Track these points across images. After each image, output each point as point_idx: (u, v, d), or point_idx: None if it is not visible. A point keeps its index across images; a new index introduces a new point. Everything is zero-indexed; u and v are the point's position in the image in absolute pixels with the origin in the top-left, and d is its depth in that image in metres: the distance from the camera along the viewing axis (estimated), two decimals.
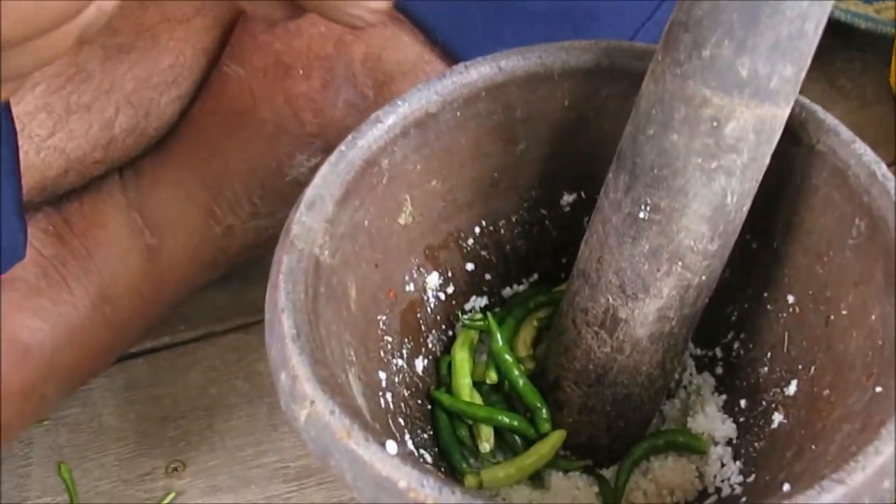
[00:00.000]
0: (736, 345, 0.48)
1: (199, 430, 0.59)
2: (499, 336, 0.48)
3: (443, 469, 0.46)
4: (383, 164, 0.43)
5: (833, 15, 0.73)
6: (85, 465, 0.58)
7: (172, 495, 0.56)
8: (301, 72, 0.55)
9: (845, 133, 0.40)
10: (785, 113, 0.38)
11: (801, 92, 0.75)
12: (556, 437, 0.46)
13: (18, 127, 0.50)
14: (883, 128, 0.73)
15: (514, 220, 0.50)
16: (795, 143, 0.41)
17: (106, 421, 0.60)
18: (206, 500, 0.56)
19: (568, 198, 0.50)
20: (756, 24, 0.35)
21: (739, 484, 0.43)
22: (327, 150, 0.55)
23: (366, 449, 0.31)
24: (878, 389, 0.34)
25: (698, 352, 0.50)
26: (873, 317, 0.37)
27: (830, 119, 0.41)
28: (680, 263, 0.40)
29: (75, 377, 0.58)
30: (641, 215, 0.40)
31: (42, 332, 0.55)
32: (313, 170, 0.55)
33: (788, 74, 0.36)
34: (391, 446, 0.31)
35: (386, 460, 0.31)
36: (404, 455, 0.31)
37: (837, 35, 0.76)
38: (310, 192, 0.40)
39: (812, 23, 0.35)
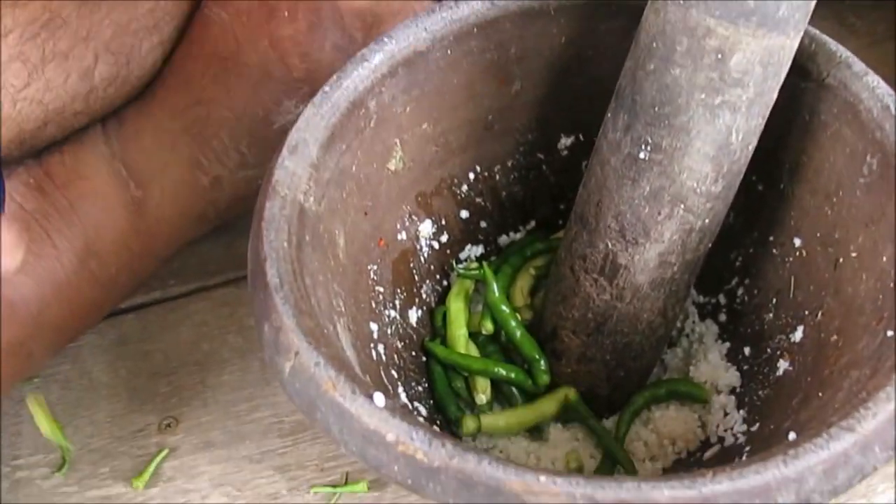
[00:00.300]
0: (740, 291, 0.46)
1: (192, 385, 0.58)
2: (495, 286, 0.47)
3: (438, 422, 0.45)
4: (370, 106, 0.41)
5: None
6: (76, 421, 0.57)
7: (166, 451, 0.56)
8: (286, 14, 0.54)
9: (857, 65, 0.38)
10: (794, 43, 0.36)
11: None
12: (563, 394, 0.45)
13: None
14: (894, 66, 0.71)
15: (509, 164, 0.49)
16: (804, 77, 0.39)
17: (97, 377, 0.59)
18: (200, 456, 0.55)
19: (566, 140, 0.48)
20: None
21: (743, 433, 0.42)
22: (315, 95, 0.53)
23: (352, 401, 0.30)
24: (890, 333, 0.33)
25: (701, 299, 0.49)
26: (884, 258, 0.36)
27: (842, 51, 0.39)
28: (682, 206, 0.39)
29: (63, 334, 0.57)
30: (642, 156, 0.38)
31: (27, 288, 0.54)
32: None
33: (798, 1, 0.34)
34: (379, 398, 0.30)
35: (373, 413, 0.30)
36: (393, 407, 0.30)
37: None
38: (293, 136, 0.38)
39: None
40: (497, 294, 0.47)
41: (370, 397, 0.30)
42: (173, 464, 0.55)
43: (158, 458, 0.55)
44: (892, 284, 0.35)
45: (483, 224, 0.50)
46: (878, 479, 0.50)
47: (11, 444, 0.57)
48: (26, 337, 0.54)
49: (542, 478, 0.28)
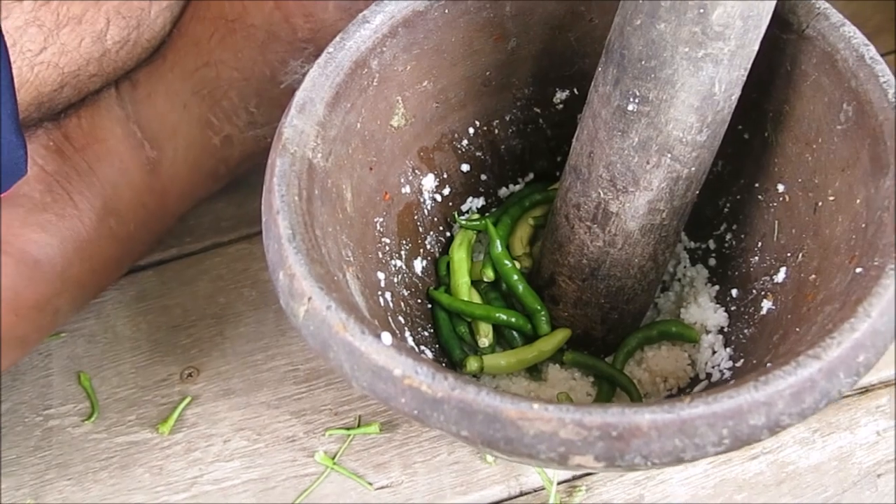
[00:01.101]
0: (728, 236, 0.48)
1: (210, 337, 0.60)
2: (498, 242, 0.49)
3: (444, 364, 0.48)
4: (373, 66, 0.43)
5: None
6: (102, 373, 0.60)
7: (188, 399, 0.58)
8: None
9: (835, 16, 0.39)
10: None
11: None
12: (561, 336, 0.47)
13: (9, 42, 0.50)
14: (889, 12, 0.71)
15: (507, 119, 0.50)
16: (785, 28, 0.41)
17: (120, 331, 0.61)
18: (221, 403, 0.58)
19: (561, 95, 0.50)
20: None
21: (728, 369, 0.44)
22: (321, 55, 0.55)
23: (362, 340, 0.33)
24: (859, 270, 0.35)
25: (692, 244, 0.51)
26: (858, 201, 0.38)
27: (821, 2, 0.40)
28: (669, 155, 0.40)
29: (87, 290, 0.59)
30: (630, 108, 0.40)
31: (51, 247, 0.56)
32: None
33: None
34: (386, 338, 0.33)
35: (381, 350, 0.32)
36: (399, 345, 0.33)
37: None
38: (300, 95, 0.40)
39: None
40: (500, 249, 0.49)
41: (378, 337, 0.33)
42: (195, 410, 0.57)
43: (182, 406, 0.58)
44: (863, 225, 0.37)
45: (483, 177, 0.52)
46: (861, 412, 0.53)
47: (42, 394, 0.59)
48: (52, 294, 0.56)
49: (535, 405, 0.30)
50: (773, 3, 0.38)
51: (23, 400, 0.59)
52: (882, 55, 0.68)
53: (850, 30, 0.39)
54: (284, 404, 0.57)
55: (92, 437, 0.57)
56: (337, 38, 0.41)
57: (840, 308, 0.34)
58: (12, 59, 0.48)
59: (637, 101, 0.39)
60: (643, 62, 0.39)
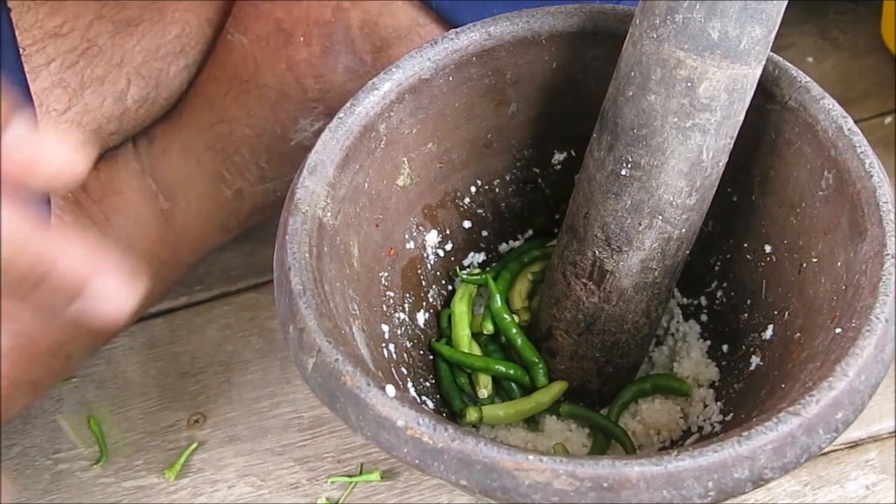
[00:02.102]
0: (719, 293, 0.50)
1: (217, 384, 0.62)
2: (498, 297, 0.51)
3: (444, 414, 0.49)
4: (381, 129, 0.45)
5: None
6: (112, 418, 0.61)
7: (195, 445, 0.59)
8: (301, 39, 0.57)
9: (815, 89, 0.42)
10: (756, 72, 0.40)
11: (795, 44, 0.78)
12: (558, 388, 0.49)
13: (36, 103, 0.52)
14: (875, 78, 0.74)
15: (508, 178, 0.53)
16: (769, 99, 0.43)
17: (130, 377, 0.63)
18: (226, 449, 0.59)
19: (559, 156, 0.52)
20: None
21: (719, 422, 0.46)
22: (329, 114, 0.57)
23: (367, 392, 0.34)
24: (838, 330, 0.37)
25: (685, 300, 0.53)
26: (839, 263, 0.40)
27: (802, 76, 0.43)
28: (660, 217, 0.43)
29: (99, 336, 0.61)
30: (623, 172, 0.42)
31: None
32: (317, 134, 0.57)
33: (757, 36, 0.38)
34: (390, 390, 0.35)
35: (385, 402, 0.34)
36: (402, 397, 0.34)
37: None
38: (312, 158, 0.42)
39: None
40: (499, 304, 0.51)
41: (382, 389, 0.35)
42: (202, 456, 0.58)
43: (188, 452, 0.59)
44: (843, 287, 0.39)
45: (484, 233, 0.54)
46: (851, 466, 0.55)
47: (52, 438, 0.61)
48: (66, 340, 0.57)
49: (531, 457, 0.32)
50: (757, 77, 0.40)
51: (33, 444, 0.60)
52: (869, 118, 0.72)
53: (830, 102, 0.42)
54: (288, 451, 0.59)
55: (100, 480, 0.58)
56: (347, 104, 0.44)
57: (820, 366, 0.35)
58: (39, 118, 0.51)
59: (630, 166, 0.42)
60: (635, 130, 0.41)
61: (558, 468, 0.32)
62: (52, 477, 0.59)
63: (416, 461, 0.33)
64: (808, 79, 0.42)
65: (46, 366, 0.57)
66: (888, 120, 0.71)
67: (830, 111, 0.41)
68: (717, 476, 0.32)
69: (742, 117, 0.41)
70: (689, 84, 0.39)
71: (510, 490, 0.32)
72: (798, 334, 0.42)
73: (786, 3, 0.38)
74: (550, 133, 0.51)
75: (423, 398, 0.48)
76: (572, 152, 0.52)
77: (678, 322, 0.52)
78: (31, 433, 0.61)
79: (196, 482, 0.58)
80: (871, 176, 0.39)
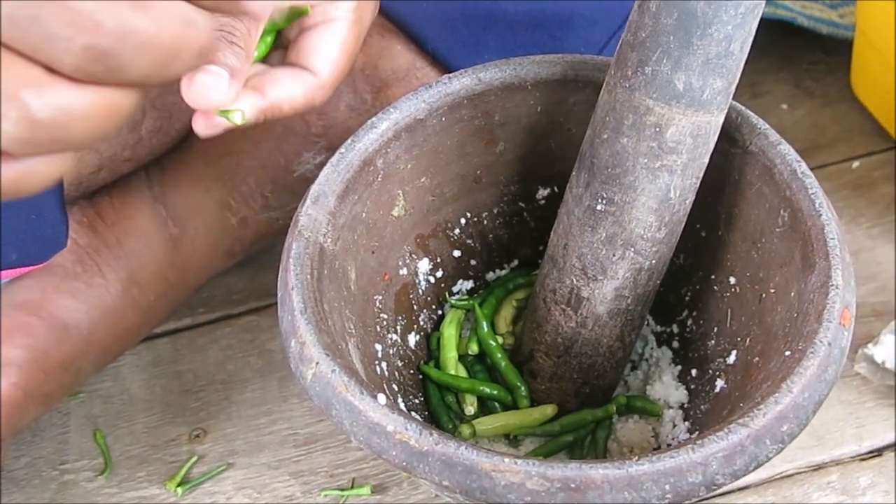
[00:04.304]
0: (689, 321, 0.54)
1: (218, 401, 0.65)
2: (484, 323, 0.54)
3: None
4: (378, 164, 0.49)
5: (796, 21, 0.79)
6: (116, 432, 0.63)
7: (195, 458, 0.62)
8: None
9: (773, 135, 0.46)
10: (718, 119, 0.44)
11: (770, 91, 0.82)
12: (547, 410, 0.52)
13: None
14: (845, 125, 0.78)
15: (495, 211, 0.56)
16: (732, 144, 0.47)
17: (135, 393, 0.65)
18: (225, 463, 0.62)
19: (543, 192, 0.56)
20: (689, 46, 0.41)
21: (686, 441, 0.49)
22: (331, 148, 0.61)
23: (360, 400, 0.38)
24: (788, 353, 0.40)
25: (658, 328, 0.56)
26: (792, 293, 0.43)
27: (761, 123, 0.47)
28: (632, 249, 0.46)
29: (108, 353, 0.63)
30: (599, 207, 0.46)
31: (79, 312, 0.60)
32: (319, 166, 0.61)
33: (719, 87, 0.42)
34: (381, 398, 0.38)
35: (377, 409, 0.38)
36: (391, 405, 0.38)
37: (804, 38, 0.81)
38: (314, 189, 0.46)
39: (737, 43, 0.41)
40: (486, 329, 0.54)
41: (374, 397, 0.38)
42: (201, 469, 0.61)
43: (189, 464, 0.61)
44: (795, 315, 0.42)
45: (473, 262, 0.57)
46: (814, 487, 0.58)
47: (59, 450, 0.63)
48: (77, 355, 0.60)
49: (507, 459, 0.36)
50: (720, 124, 0.44)
51: (41, 455, 0.63)
52: (838, 162, 0.76)
53: (786, 148, 0.46)
54: (284, 465, 0.61)
55: (104, 491, 0.61)
56: (348, 140, 0.48)
57: (770, 385, 0.39)
58: None
59: (605, 202, 0.46)
60: (609, 169, 0.45)
61: (531, 470, 0.35)
62: (58, 487, 0.61)
63: (404, 463, 0.37)
64: (767, 126, 0.47)
65: (58, 379, 0.60)
66: (856, 164, 0.75)
67: (786, 155, 0.45)
68: (673, 480, 0.35)
69: (707, 159, 0.45)
70: (658, 129, 0.43)
71: (488, 490, 0.35)
72: (757, 358, 0.45)
73: (744, 58, 0.43)
74: (535, 171, 0.55)
75: (413, 414, 0.52)
76: (555, 188, 0.55)
77: (652, 348, 0.56)
78: (38, 444, 0.63)
79: (196, 493, 0.60)
80: (821, 215, 0.43)
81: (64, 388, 0.61)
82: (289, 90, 0.45)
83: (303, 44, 0.47)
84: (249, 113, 0.44)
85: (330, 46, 0.47)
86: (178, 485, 0.60)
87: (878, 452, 0.59)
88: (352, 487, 0.59)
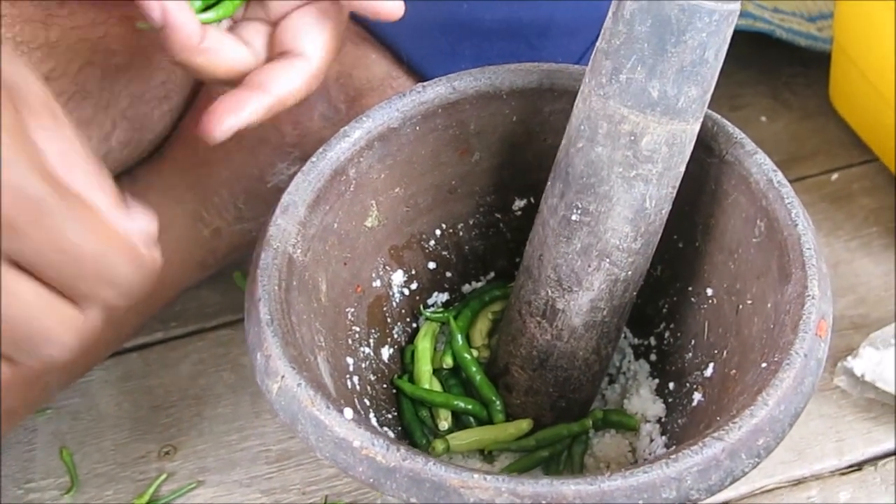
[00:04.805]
0: (667, 334, 0.53)
1: (189, 417, 0.63)
2: (459, 336, 0.53)
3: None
4: (350, 173, 0.48)
5: (774, 34, 0.79)
6: (84, 449, 0.62)
7: (164, 476, 0.61)
8: None
9: (749, 145, 0.46)
10: (694, 128, 0.43)
11: (750, 104, 0.82)
12: (522, 425, 0.51)
13: None
14: (824, 137, 0.78)
15: (471, 223, 0.56)
16: (709, 153, 0.47)
17: (103, 409, 0.64)
18: (196, 481, 0.61)
19: (519, 203, 0.55)
20: (663, 53, 0.40)
21: (661, 455, 0.48)
22: (305, 158, 0.59)
23: (326, 415, 0.37)
24: (764, 365, 0.40)
25: (636, 341, 0.56)
26: (769, 305, 0.43)
27: (737, 132, 0.46)
28: (608, 260, 0.46)
29: (75, 368, 0.62)
30: (574, 217, 0.45)
31: None
32: (292, 177, 0.60)
33: (694, 95, 0.42)
34: (348, 412, 0.37)
35: (343, 424, 0.37)
36: (358, 420, 0.37)
37: (782, 51, 0.81)
38: (284, 198, 0.45)
39: (712, 51, 0.41)
40: (460, 343, 0.53)
41: (341, 411, 0.37)
42: (171, 487, 0.60)
43: (158, 482, 0.60)
44: (771, 326, 0.42)
45: (448, 274, 0.57)
46: (794, 502, 0.57)
47: (24, 468, 0.62)
48: (43, 370, 0.59)
49: (476, 476, 0.35)
50: (695, 132, 0.44)
51: (6, 473, 0.61)
52: (817, 174, 0.76)
53: (762, 157, 0.45)
54: (256, 483, 0.60)
55: None
56: (320, 150, 0.47)
57: (745, 398, 0.38)
58: None
59: (579, 212, 0.45)
60: (584, 179, 0.44)
61: (501, 486, 0.34)
62: None
63: (371, 480, 0.36)
64: (743, 135, 0.46)
65: (23, 396, 0.58)
66: (835, 176, 0.75)
67: (762, 165, 0.45)
68: (646, 495, 0.34)
69: (682, 169, 0.44)
70: (633, 138, 0.42)
71: None
72: (734, 371, 0.45)
73: (719, 66, 0.42)
74: (511, 181, 0.54)
75: (385, 429, 0.51)
76: (532, 199, 0.55)
77: (629, 361, 0.55)
78: (4, 462, 0.62)
79: None
80: (797, 225, 0.42)
81: (29, 404, 0.59)
82: (291, 83, 0.45)
83: (289, 26, 0.46)
84: (259, 113, 0.44)
85: (318, 28, 0.46)
86: (147, 503, 0.59)
87: (858, 466, 0.58)
88: None
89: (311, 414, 0.37)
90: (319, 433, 0.37)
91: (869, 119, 0.74)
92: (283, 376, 0.38)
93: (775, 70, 0.83)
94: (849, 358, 0.60)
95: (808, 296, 0.40)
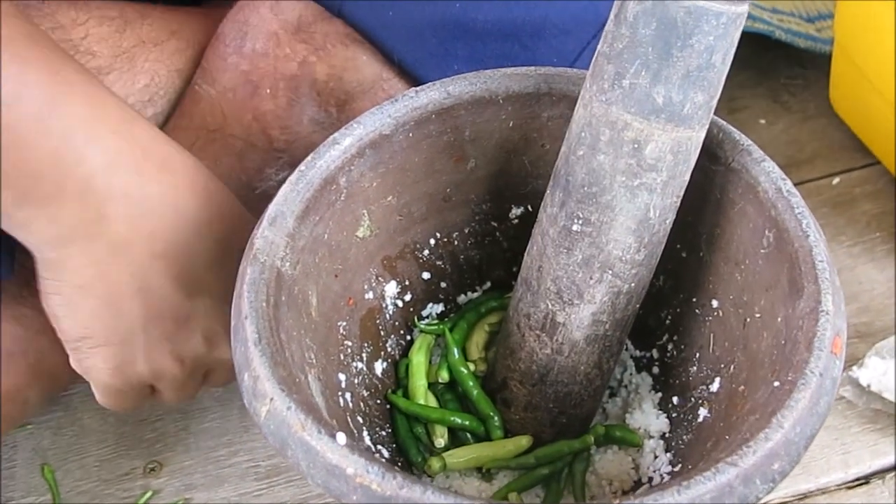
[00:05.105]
0: (670, 346, 0.52)
1: (175, 431, 0.62)
2: (455, 350, 0.52)
3: (399, 463, 0.50)
4: (341, 182, 0.46)
5: (773, 35, 0.78)
6: (67, 466, 0.61)
7: (150, 494, 0.59)
8: (268, 91, 0.59)
9: (756, 152, 0.44)
10: (699, 135, 0.42)
11: (749, 106, 0.81)
12: (521, 442, 0.49)
13: None
14: (824, 140, 0.77)
15: (466, 231, 0.54)
16: (714, 161, 0.45)
17: (87, 424, 0.63)
18: (182, 498, 0.59)
19: (516, 211, 0.54)
20: (668, 57, 0.39)
21: (668, 473, 0.47)
22: (294, 164, 0.58)
23: (318, 440, 0.35)
24: (776, 384, 0.38)
25: (638, 353, 0.54)
26: (779, 319, 0.41)
27: (744, 139, 0.45)
28: (610, 272, 0.44)
29: (56, 382, 0.60)
30: (575, 228, 0.44)
31: (25, 340, 0.58)
32: (281, 183, 0.58)
33: (700, 101, 0.40)
34: (341, 438, 0.35)
35: (336, 450, 0.35)
36: (352, 445, 0.35)
37: (781, 52, 0.80)
38: (271, 209, 0.44)
39: (719, 55, 0.39)
40: (456, 356, 0.52)
41: (333, 437, 0.35)
42: None
43: (143, 500, 0.59)
44: (783, 342, 0.40)
45: (443, 285, 0.55)
46: None
47: (4, 486, 0.60)
48: (23, 385, 0.57)
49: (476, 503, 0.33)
50: (701, 140, 0.42)
51: None
52: (817, 179, 0.75)
53: (770, 165, 0.44)
54: (245, 500, 0.59)
55: None
56: (309, 158, 0.45)
57: (758, 418, 0.37)
58: None
59: (581, 222, 0.43)
60: (585, 188, 0.43)
61: None
62: None
63: None
64: (750, 142, 0.44)
65: (3, 411, 0.57)
66: (836, 181, 0.74)
67: (770, 173, 0.43)
68: None
69: (687, 177, 0.43)
70: (636, 145, 0.41)
71: None
72: (742, 387, 0.43)
73: (726, 70, 0.41)
74: (508, 189, 0.52)
75: (379, 447, 0.49)
76: (529, 207, 0.53)
77: (631, 374, 0.54)
78: None
79: None
80: (808, 236, 0.41)
81: (10, 420, 0.58)
82: None
83: None
84: None
85: None
86: None
87: (865, 480, 0.57)
88: None
89: (301, 439, 0.35)
90: (311, 459, 0.35)
91: (871, 121, 0.73)
92: (271, 399, 0.37)
93: (774, 72, 0.82)
94: (854, 368, 0.59)
95: (822, 311, 0.38)
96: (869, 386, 0.58)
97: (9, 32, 0.43)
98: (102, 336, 0.50)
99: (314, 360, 0.44)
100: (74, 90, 0.46)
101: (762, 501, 0.55)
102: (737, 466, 0.34)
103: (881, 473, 0.57)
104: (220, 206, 0.52)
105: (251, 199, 0.60)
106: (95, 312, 0.49)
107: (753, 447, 0.34)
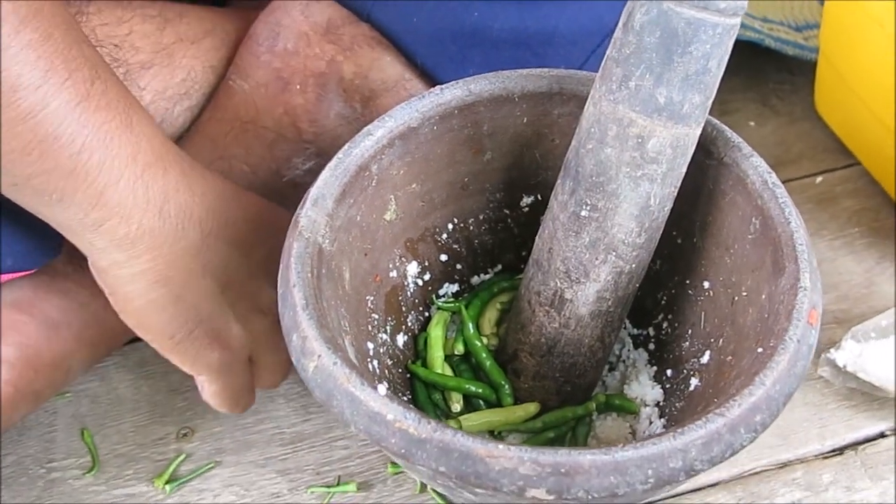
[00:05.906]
0: (665, 324, 0.57)
1: (204, 401, 0.66)
2: (470, 325, 0.56)
3: None
4: (373, 170, 0.51)
5: (763, 42, 0.83)
6: (104, 431, 0.64)
7: (183, 457, 0.63)
8: (298, 87, 0.63)
9: (746, 148, 0.49)
10: (696, 132, 0.47)
11: (738, 109, 0.86)
12: (530, 408, 0.54)
13: None
14: (809, 142, 0.82)
15: (481, 218, 0.58)
16: (708, 156, 0.50)
17: (122, 393, 0.66)
18: (213, 461, 0.63)
19: (527, 200, 0.58)
20: (670, 62, 0.44)
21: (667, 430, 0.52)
22: (320, 154, 0.63)
23: (361, 391, 0.40)
24: (760, 350, 0.43)
25: (635, 331, 0.59)
26: (763, 296, 0.46)
27: (735, 137, 0.50)
28: (614, 253, 0.49)
29: (96, 352, 0.64)
30: (583, 213, 0.49)
31: (69, 311, 0.61)
32: (308, 172, 0.63)
33: (697, 101, 0.45)
34: (381, 388, 0.40)
35: (377, 399, 0.40)
36: (391, 395, 0.40)
37: (770, 59, 0.85)
38: (314, 191, 0.48)
39: (715, 61, 0.44)
40: (471, 331, 0.56)
41: (375, 388, 0.40)
42: (189, 467, 0.62)
43: (177, 462, 0.63)
44: (766, 315, 0.45)
45: (459, 266, 0.59)
46: (780, 484, 0.61)
47: (46, 448, 0.64)
48: (68, 353, 0.61)
49: (501, 446, 0.38)
50: (697, 136, 0.47)
51: (28, 453, 0.63)
52: (802, 177, 0.80)
53: (758, 160, 0.49)
54: (271, 464, 0.63)
55: (91, 489, 0.62)
56: (346, 146, 0.50)
57: (743, 380, 0.42)
58: None
59: (588, 208, 0.48)
60: (593, 178, 0.48)
61: (523, 456, 0.37)
62: (45, 485, 0.62)
63: (403, 450, 0.39)
64: (741, 139, 0.50)
65: (48, 377, 0.60)
66: (819, 179, 0.79)
67: (758, 167, 0.48)
68: (655, 465, 0.38)
69: (684, 170, 0.48)
70: (640, 140, 0.46)
71: (482, 475, 0.38)
72: (730, 357, 0.48)
73: (721, 75, 0.46)
74: (520, 179, 0.57)
75: None
76: (539, 197, 0.58)
77: (629, 350, 0.59)
78: (25, 443, 0.64)
79: (183, 491, 0.61)
80: (790, 222, 0.46)
81: (54, 385, 0.61)
82: None
83: None
84: None
85: None
86: (166, 482, 0.62)
87: (839, 451, 0.62)
88: (338, 484, 0.61)
89: (346, 390, 0.40)
90: (354, 408, 0.40)
91: (852, 125, 0.77)
92: (319, 356, 0.41)
93: (763, 77, 0.86)
94: (832, 350, 0.63)
95: (801, 287, 0.43)
96: (845, 366, 0.62)
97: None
98: (193, 318, 0.53)
99: (348, 328, 0.49)
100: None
101: (748, 470, 0.60)
102: (724, 416, 0.39)
103: (854, 446, 0.62)
104: (248, 197, 0.57)
105: (279, 186, 0.64)
106: (178, 300, 0.52)
107: (739, 401, 0.40)
